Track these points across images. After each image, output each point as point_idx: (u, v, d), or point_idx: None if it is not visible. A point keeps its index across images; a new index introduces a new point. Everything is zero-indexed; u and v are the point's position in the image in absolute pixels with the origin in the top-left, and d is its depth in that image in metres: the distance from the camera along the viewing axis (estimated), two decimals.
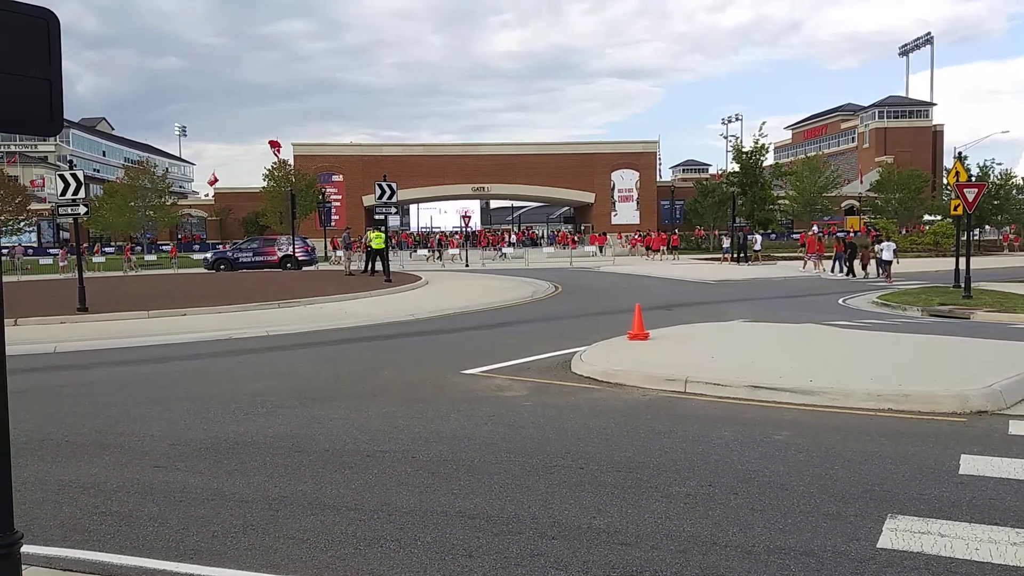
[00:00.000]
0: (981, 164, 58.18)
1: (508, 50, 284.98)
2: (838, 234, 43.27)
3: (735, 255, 43.82)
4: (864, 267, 33.15)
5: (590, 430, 7.52)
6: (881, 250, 30.91)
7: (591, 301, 22.58)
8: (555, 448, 6.90)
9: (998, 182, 59.08)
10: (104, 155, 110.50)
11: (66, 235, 71.83)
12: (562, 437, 7.28)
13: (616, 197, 75.33)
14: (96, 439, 7.61)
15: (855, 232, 47.58)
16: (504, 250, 56.51)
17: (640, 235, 59.53)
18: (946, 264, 29.97)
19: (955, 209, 23.91)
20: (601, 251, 56.39)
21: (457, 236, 64.35)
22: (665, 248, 51.86)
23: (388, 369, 11.41)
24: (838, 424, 7.59)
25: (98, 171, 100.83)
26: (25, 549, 4.87)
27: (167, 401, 9.33)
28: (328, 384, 10.30)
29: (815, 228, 57.28)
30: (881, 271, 30.79)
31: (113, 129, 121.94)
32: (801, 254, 38.55)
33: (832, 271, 34.72)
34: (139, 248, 59.57)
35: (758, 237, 46.68)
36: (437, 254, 51.67)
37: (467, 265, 44.92)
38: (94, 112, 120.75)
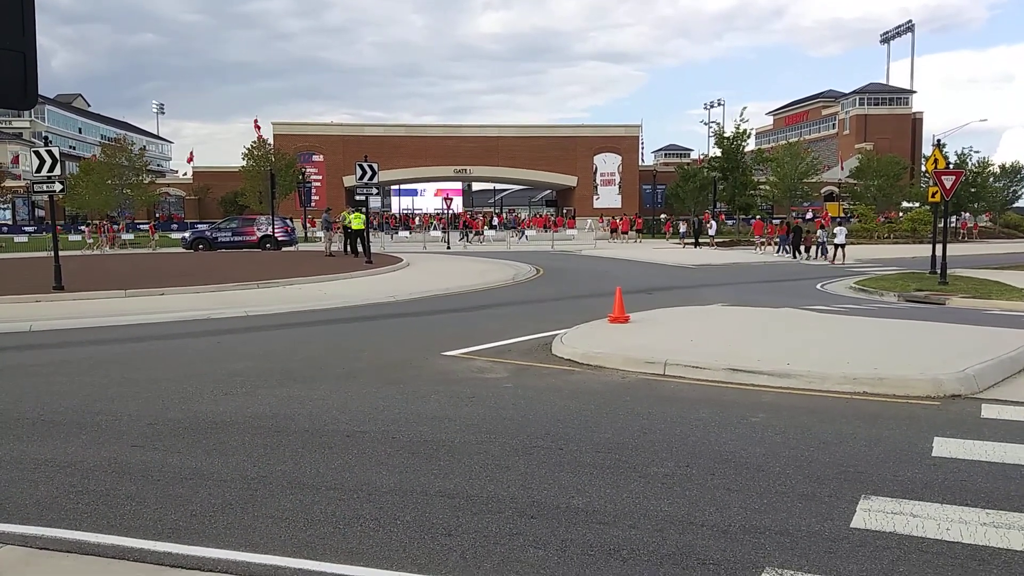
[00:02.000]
0: (959, 152, 58.90)
1: (491, 32, 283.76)
2: (804, 219, 45.33)
3: (694, 240, 46.01)
4: (807, 250, 35.54)
5: (570, 411, 7.56)
6: (835, 234, 33.19)
7: (572, 284, 22.62)
8: (535, 429, 6.93)
9: (975, 170, 59.75)
10: (80, 132, 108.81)
11: (41, 212, 70.86)
12: (542, 418, 7.31)
13: (598, 181, 75.32)
14: (73, 418, 7.54)
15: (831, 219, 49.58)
16: (527, 232, 56.06)
17: (616, 219, 60.45)
18: (923, 250, 30.33)
19: (933, 196, 24.19)
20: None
21: (481, 219, 64.42)
22: (632, 231, 53.89)
23: (368, 350, 11.38)
24: (814, 407, 7.68)
25: (74, 148, 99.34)
26: (1, 528, 4.85)
27: (144, 381, 9.26)
28: (308, 365, 10.26)
29: (810, 214, 58.49)
30: (823, 253, 33.73)
31: (89, 106, 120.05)
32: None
33: (777, 253, 37.49)
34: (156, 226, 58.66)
35: (713, 223, 48.99)
36: (466, 237, 51.86)
37: (449, 247, 44.83)
38: (70, 88, 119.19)
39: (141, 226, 66.51)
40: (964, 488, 5.34)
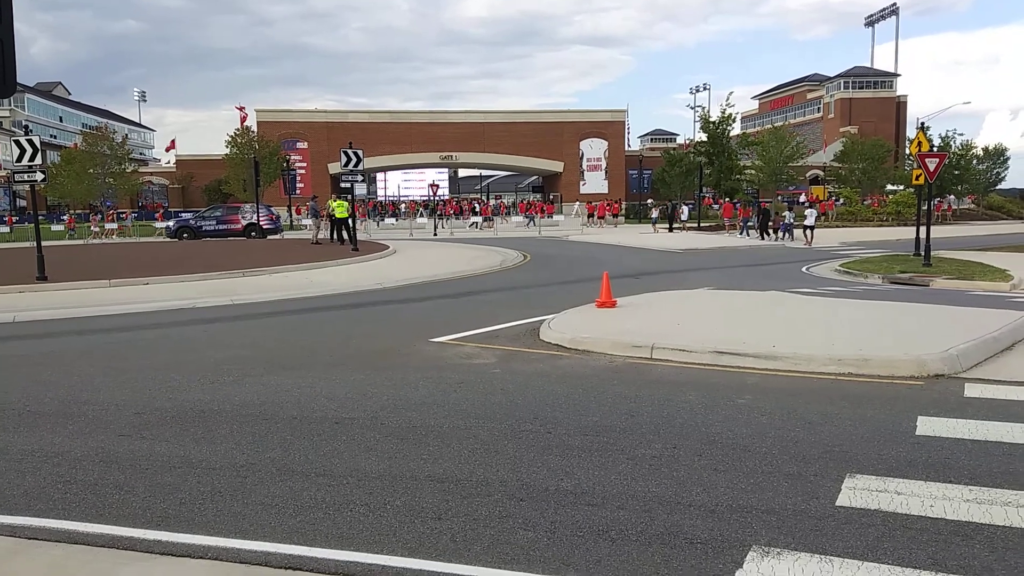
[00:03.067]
0: (943, 135, 59.19)
1: (478, 16, 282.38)
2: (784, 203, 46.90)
3: (669, 225, 47.73)
4: (775, 231, 37.41)
5: (558, 396, 7.59)
6: (805, 216, 35.05)
7: (559, 270, 22.65)
8: (523, 413, 6.96)
9: (959, 152, 60.15)
10: (61, 121, 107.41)
11: (23, 203, 70.15)
12: (530, 403, 7.34)
13: (584, 166, 75.21)
14: (59, 408, 7.50)
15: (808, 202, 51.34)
16: (519, 218, 56.68)
17: (593, 204, 61.90)
18: (907, 233, 30.56)
19: (917, 179, 24.31)
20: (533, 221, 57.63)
21: (500, 206, 65.74)
22: (610, 215, 56.27)
23: (356, 338, 11.37)
24: (800, 388, 7.75)
25: (55, 137, 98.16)
26: None
27: (130, 370, 9.22)
28: (295, 353, 10.24)
29: (803, 197, 59.67)
30: (790, 235, 35.94)
31: (70, 94, 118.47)
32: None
33: (741, 235, 39.36)
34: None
35: (685, 208, 51.67)
36: (487, 222, 53.10)
37: (435, 234, 44.75)
38: (50, 76, 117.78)
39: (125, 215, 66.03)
40: (947, 466, 5.41)
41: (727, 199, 51.59)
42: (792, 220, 36.58)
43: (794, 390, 7.66)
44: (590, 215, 56.65)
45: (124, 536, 4.57)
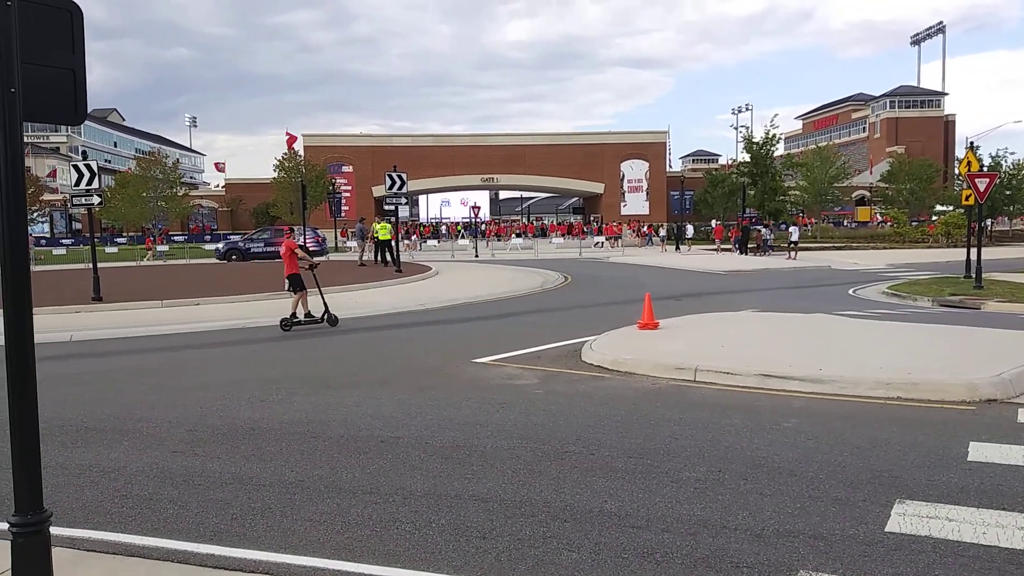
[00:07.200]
0: (993, 154, 57.91)
1: (517, 39, 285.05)
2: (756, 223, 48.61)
3: (676, 245, 50.67)
4: (757, 247, 41.55)
5: (601, 417, 7.60)
6: (790, 233, 39.22)
7: (600, 291, 22.61)
8: (566, 435, 6.98)
9: (1011, 172, 58.74)
10: (115, 146, 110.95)
11: (78, 226, 72.28)
12: (573, 424, 7.36)
13: (625, 188, 75.14)
14: (114, 425, 7.73)
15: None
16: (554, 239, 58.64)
17: (608, 225, 64.65)
18: (957, 255, 29.89)
19: (967, 199, 23.83)
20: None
21: (560, 228, 68.57)
22: (616, 236, 58.93)
23: (400, 358, 11.50)
24: (847, 412, 7.64)
25: (109, 162, 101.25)
26: (50, 530, 5.00)
27: (183, 388, 9.46)
28: (341, 372, 10.40)
29: (879, 217, 62.42)
30: (767, 252, 40.51)
31: (124, 120, 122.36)
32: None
33: (739, 252, 42.42)
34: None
35: (689, 227, 54.83)
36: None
37: (477, 255, 45.03)
38: (105, 103, 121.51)
39: (176, 238, 67.88)
40: (1001, 492, 5.29)
41: (717, 222, 55.01)
42: (771, 237, 40.26)
43: (841, 414, 7.56)
44: (598, 234, 59.24)
45: (179, 550, 4.70)
